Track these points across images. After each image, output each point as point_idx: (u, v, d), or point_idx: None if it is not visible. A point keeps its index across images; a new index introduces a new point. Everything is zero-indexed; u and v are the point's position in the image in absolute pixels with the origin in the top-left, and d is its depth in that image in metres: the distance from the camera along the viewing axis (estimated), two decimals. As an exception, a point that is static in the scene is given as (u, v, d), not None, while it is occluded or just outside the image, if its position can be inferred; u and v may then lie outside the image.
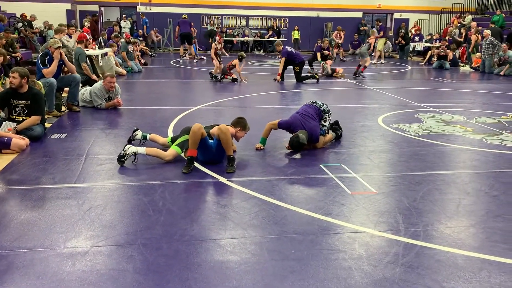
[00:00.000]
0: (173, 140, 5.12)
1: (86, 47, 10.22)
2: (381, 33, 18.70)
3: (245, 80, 11.68)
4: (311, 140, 5.38)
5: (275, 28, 23.71)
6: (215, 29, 21.81)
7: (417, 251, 3.03)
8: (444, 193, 4.13)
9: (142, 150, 4.78)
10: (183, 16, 17.85)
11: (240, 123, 5.02)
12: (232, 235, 3.21)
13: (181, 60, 17.19)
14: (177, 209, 3.66)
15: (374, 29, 17.53)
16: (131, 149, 4.74)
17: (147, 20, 20.46)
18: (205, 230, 3.30)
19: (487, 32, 15.56)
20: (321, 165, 4.85)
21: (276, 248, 3.03)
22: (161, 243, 3.07)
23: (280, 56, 12.12)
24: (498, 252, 3.04)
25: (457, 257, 2.97)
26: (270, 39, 23.05)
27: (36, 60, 7.93)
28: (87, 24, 16.77)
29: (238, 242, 3.10)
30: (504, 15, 19.24)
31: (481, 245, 3.15)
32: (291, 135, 5.38)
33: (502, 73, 14.21)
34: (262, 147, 5.44)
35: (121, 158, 4.67)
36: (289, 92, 10.50)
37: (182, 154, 4.88)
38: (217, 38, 11.70)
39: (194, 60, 17.42)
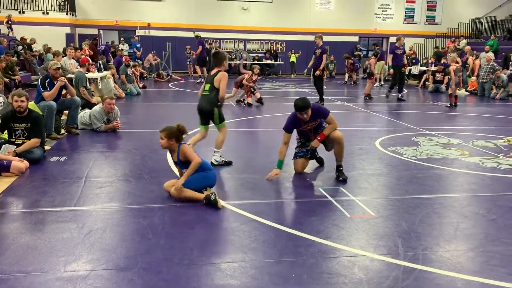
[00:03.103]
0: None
1: (88, 71, 10.36)
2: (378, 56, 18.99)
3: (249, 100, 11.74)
4: (321, 115, 5.20)
5: (272, 51, 24.01)
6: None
7: (416, 275, 3.05)
8: (443, 217, 4.16)
9: None
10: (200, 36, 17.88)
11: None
12: (232, 259, 3.22)
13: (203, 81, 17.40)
14: (177, 232, 3.67)
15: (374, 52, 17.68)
16: None
17: (136, 44, 20.64)
18: (205, 253, 3.31)
19: (489, 56, 15.79)
20: (320, 188, 4.88)
21: (277, 272, 3.04)
22: (161, 267, 3.07)
23: (320, 51, 12.27)
24: (498, 276, 3.06)
25: (457, 281, 2.98)
26: (268, 62, 23.31)
27: (35, 83, 8.02)
28: (86, 47, 16.94)
29: (238, 266, 3.11)
30: (498, 40, 19.59)
31: (481, 269, 3.17)
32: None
33: (497, 97, 14.41)
34: (278, 174, 5.12)
35: None
36: (285, 115, 10.56)
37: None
38: (255, 70, 11.70)
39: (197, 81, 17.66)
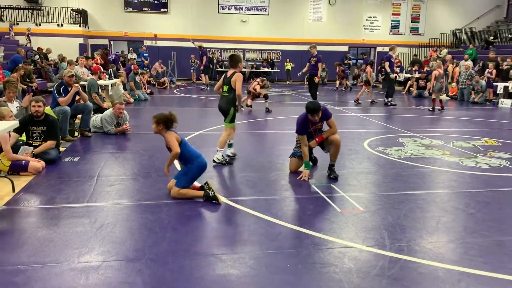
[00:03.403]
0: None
1: (99, 78, 10.37)
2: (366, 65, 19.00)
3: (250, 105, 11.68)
4: (327, 116, 5.17)
5: (269, 60, 24.03)
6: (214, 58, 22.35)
7: (401, 264, 3.06)
8: (425, 211, 4.17)
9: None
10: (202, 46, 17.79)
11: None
12: (232, 250, 3.23)
13: (207, 88, 17.40)
14: (182, 226, 3.67)
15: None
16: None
17: (144, 53, 20.63)
18: (208, 246, 3.32)
19: (468, 64, 15.85)
20: (313, 186, 4.89)
21: (273, 263, 3.05)
22: (167, 258, 3.08)
23: (316, 60, 12.32)
24: (476, 265, 3.07)
25: (438, 270, 3.00)
26: (265, 70, 23.34)
27: (51, 89, 8.01)
28: (98, 56, 16.93)
29: (238, 257, 3.12)
30: (476, 49, 19.63)
31: (460, 259, 3.18)
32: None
33: (476, 99, 14.48)
34: (307, 174, 5.11)
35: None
36: (282, 118, 10.59)
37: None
38: (258, 80, 11.77)
39: (204, 88, 17.64)
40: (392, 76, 13.39)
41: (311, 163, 5.38)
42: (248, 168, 5.63)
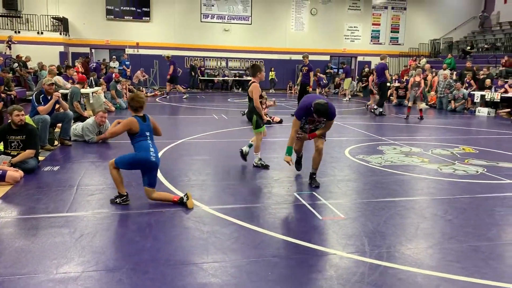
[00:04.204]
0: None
1: (83, 87, 10.32)
2: (345, 74, 19.28)
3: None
4: (328, 116, 4.93)
5: (252, 69, 24.17)
6: (196, 65, 22.49)
7: (381, 270, 3.10)
8: (405, 218, 4.24)
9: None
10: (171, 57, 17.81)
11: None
12: (213, 259, 3.22)
13: (168, 96, 17.52)
14: (163, 235, 3.65)
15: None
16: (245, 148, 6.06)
17: (125, 61, 20.51)
18: (189, 255, 3.31)
19: (446, 73, 16.19)
20: (295, 193, 4.92)
21: (255, 271, 3.06)
22: (148, 268, 3.05)
23: (307, 69, 12.41)
24: (453, 270, 3.13)
25: (417, 276, 3.04)
26: (248, 78, 23.44)
27: (30, 98, 7.89)
28: (79, 65, 16.76)
29: (219, 266, 3.12)
30: (454, 58, 20.10)
31: (438, 265, 3.24)
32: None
33: (455, 105, 14.84)
34: (290, 160, 5.11)
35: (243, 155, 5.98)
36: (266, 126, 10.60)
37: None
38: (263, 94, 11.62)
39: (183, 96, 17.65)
40: (388, 84, 13.43)
41: (294, 155, 5.32)
42: (230, 176, 5.63)
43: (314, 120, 5.18)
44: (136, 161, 4.34)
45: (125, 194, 4.42)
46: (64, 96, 8.77)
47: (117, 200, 4.39)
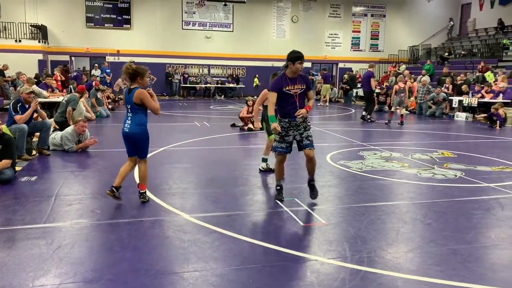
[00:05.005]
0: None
1: (81, 97, 10.31)
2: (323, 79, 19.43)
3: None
4: (307, 83, 4.81)
5: (234, 76, 24.22)
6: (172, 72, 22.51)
7: (362, 275, 3.11)
8: (385, 222, 4.28)
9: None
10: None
11: None
12: (194, 268, 3.19)
13: None
14: (142, 245, 3.60)
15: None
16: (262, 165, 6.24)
17: (106, 69, 20.33)
18: (169, 264, 3.27)
19: (425, 79, 16.49)
20: (277, 200, 4.91)
21: (236, 279, 3.04)
22: (127, 278, 3.01)
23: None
24: (432, 274, 3.16)
25: (397, 280, 3.07)
26: (230, 86, 23.50)
27: (7, 107, 7.74)
28: (58, 73, 16.52)
29: (200, 275, 3.09)
30: (433, 64, 20.50)
31: (418, 268, 3.27)
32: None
33: (433, 107, 15.16)
34: (276, 126, 4.59)
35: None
36: (245, 133, 10.64)
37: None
38: (249, 102, 11.35)
39: None
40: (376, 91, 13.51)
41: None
42: (212, 183, 5.60)
43: (292, 86, 4.70)
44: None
45: (118, 187, 4.63)
46: (42, 105, 8.64)
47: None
